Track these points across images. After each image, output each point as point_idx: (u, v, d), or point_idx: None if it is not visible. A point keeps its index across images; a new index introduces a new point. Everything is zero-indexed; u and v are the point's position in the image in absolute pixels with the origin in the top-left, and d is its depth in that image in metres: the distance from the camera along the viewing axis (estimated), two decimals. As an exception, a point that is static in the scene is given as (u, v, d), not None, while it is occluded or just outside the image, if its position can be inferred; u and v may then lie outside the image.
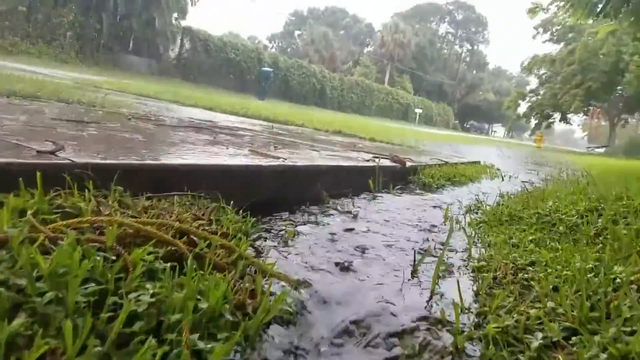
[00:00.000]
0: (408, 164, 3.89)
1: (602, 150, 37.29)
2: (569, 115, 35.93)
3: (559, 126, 47.82)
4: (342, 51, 64.86)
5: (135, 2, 26.98)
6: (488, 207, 3.11)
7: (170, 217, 1.51)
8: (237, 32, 78.38)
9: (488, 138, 41.88)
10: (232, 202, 1.86)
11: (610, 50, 26.77)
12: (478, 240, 2.28)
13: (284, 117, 8.70)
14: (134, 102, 6.90)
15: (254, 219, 1.85)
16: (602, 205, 2.67)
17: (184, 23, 32.86)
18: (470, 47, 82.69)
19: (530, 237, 2.15)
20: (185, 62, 32.61)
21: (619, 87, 30.51)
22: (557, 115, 35.72)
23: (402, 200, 3.07)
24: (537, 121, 37.47)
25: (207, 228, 1.49)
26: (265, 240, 1.78)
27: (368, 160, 3.52)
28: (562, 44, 37.20)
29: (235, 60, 35.56)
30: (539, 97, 36.38)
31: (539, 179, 5.84)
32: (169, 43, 31.27)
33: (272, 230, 1.91)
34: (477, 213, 2.96)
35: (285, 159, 2.58)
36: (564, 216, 2.51)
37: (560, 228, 2.34)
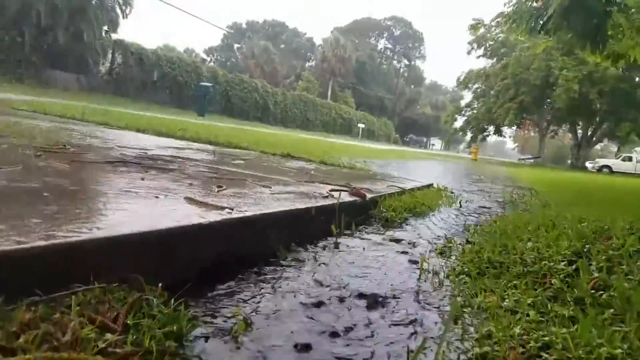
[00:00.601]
0: (368, 196, 3.55)
1: (532, 160, 39.39)
2: (502, 128, 37.66)
3: (491, 138, 50.28)
4: (283, 65, 64.86)
5: (60, 14, 25.28)
6: (460, 247, 2.84)
7: (64, 335, 1.02)
8: (172, 45, 76.50)
9: (428, 152, 43.10)
10: (160, 283, 1.38)
11: (540, 65, 28.31)
12: (465, 301, 1.93)
13: (226, 139, 8.16)
14: (55, 126, 6.13)
15: (191, 310, 1.38)
16: (588, 246, 2.42)
17: (115, 36, 31.30)
18: (407, 63, 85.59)
19: (529, 300, 1.82)
20: (117, 77, 31.03)
21: (548, 100, 32.30)
22: (492, 128, 37.30)
23: (367, 245, 2.70)
24: (473, 134, 38.95)
25: (117, 351, 1.01)
26: (206, 341, 1.31)
27: (326, 196, 3.12)
28: (495, 58, 39.00)
29: (172, 75, 34.32)
30: (475, 111, 37.87)
31: (493, 200, 5.73)
32: (99, 57, 29.60)
33: (216, 319, 1.44)
34: (450, 258, 2.64)
35: (232, 209, 2.11)
36: (552, 263, 2.23)
37: (554, 282, 2.03)
